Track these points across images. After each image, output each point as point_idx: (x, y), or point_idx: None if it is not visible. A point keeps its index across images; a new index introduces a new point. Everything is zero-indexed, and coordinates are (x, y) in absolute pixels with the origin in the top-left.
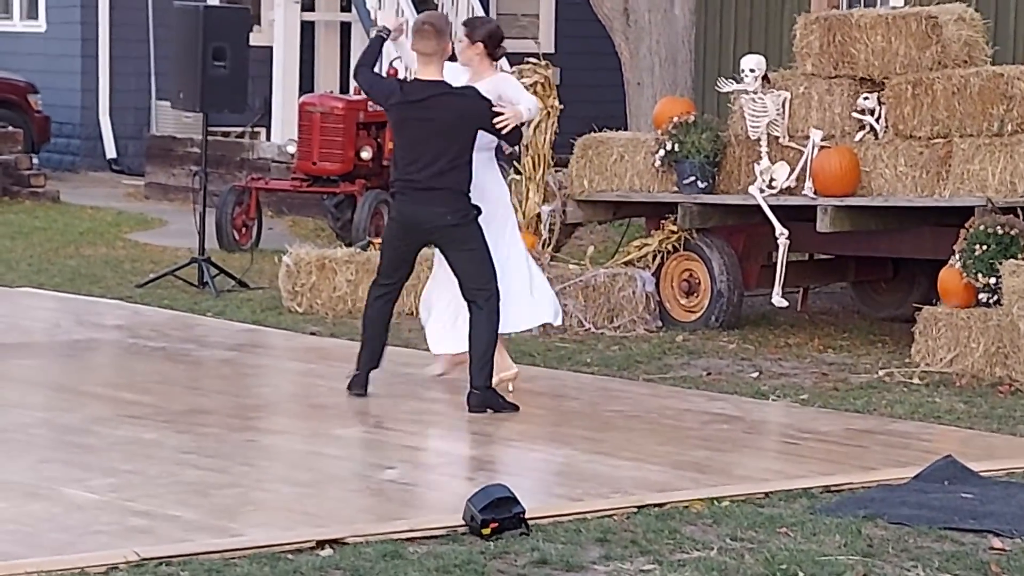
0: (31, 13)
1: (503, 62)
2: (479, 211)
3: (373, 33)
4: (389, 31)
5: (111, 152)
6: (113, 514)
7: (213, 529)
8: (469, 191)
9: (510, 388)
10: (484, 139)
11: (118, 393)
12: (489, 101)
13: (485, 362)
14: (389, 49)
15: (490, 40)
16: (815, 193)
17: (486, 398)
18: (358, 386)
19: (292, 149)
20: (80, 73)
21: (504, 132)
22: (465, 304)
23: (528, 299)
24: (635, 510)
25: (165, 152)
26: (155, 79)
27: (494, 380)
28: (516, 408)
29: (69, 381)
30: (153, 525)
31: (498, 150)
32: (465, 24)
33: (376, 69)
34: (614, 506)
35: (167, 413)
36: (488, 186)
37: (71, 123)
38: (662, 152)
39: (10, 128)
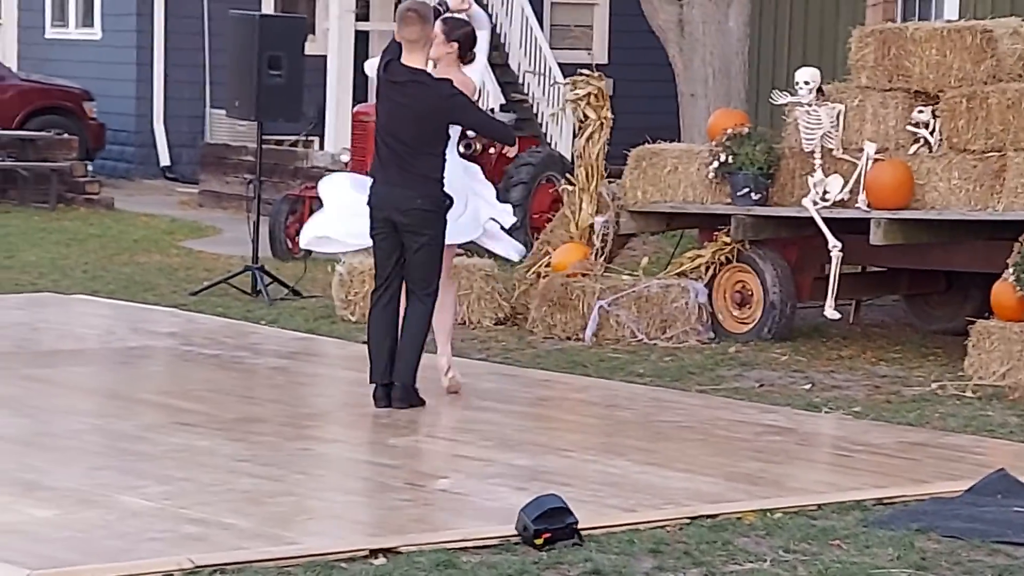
0: (86, 21)
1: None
2: (451, 203)
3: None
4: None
5: (165, 160)
6: (167, 521)
7: (267, 537)
8: (442, 180)
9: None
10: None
11: (172, 400)
12: (464, 95)
13: (413, 357)
14: None
15: (465, 42)
16: (868, 206)
17: (410, 394)
18: (382, 399)
19: (345, 158)
20: (135, 81)
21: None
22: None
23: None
24: (688, 521)
25: (219, 160)
26: (210, 87)
27: (452, 375)
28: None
29: (123, 388)
30: (207, 533)
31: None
32: (444, 22)
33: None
34: (667, 517)
35: (221, 421)
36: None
37: (126, 131)
38: (716, 164)
39: (65, 135)
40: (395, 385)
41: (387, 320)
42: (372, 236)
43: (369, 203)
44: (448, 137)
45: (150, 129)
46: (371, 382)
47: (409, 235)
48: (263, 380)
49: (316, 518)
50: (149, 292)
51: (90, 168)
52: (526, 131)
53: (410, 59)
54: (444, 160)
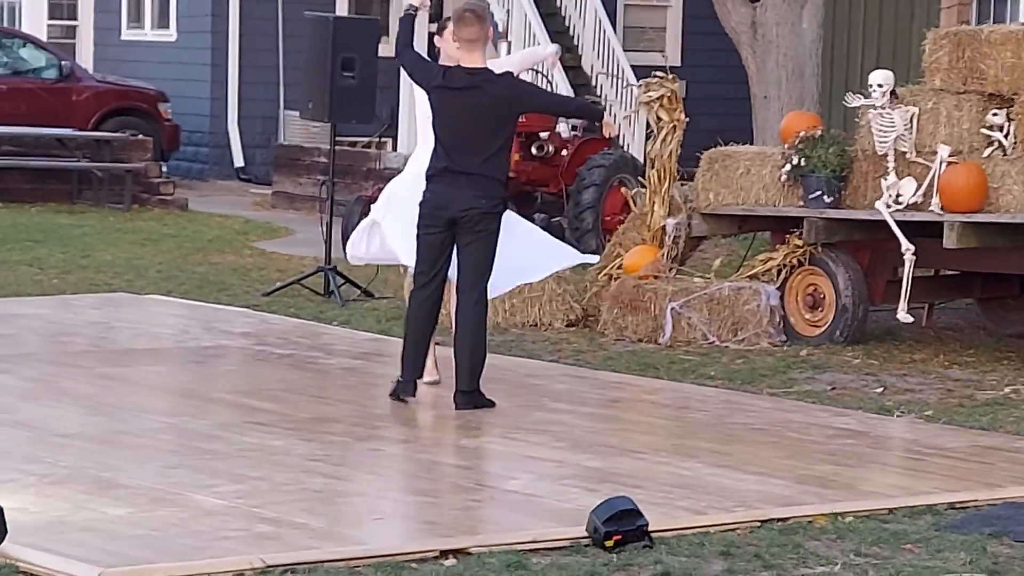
0: (162, 22)
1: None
2: (507, 205)
3: (402, 13)
4: (415, 7)
5: (239, 161)
6: (240, 520)
7: (338, 537)
8: (505, 181)
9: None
10: None
11: (245, 400)
12: (528, 83)
13: (478, 363)
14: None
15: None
16: (942, 209)
17: (476, 398)
18: (406, 392)
19: None
20: (209, 82)
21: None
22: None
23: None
24: (759, 524)
25: (292, 161)
26: (283, 89)
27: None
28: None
29: (197, 387)
30: (279, 532)
31: None
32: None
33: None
34: (738, 520)
35: (293, 421)
36: None
37: (200, 131)
38: (788, 166)
39: (140, 136)
40: (459, 391)
41: (429, 316)
42: (422, 231)
43: (426, 200)
44: (514, 134)
45: (224, 130)
46: (404, 378)
47: (465, 232)
48: (335, 380)
49: (387, 518)
50: (222, 292)
51: (165, 169)
52: (599, 133)
53: (469, 59)
54: (508, 161)
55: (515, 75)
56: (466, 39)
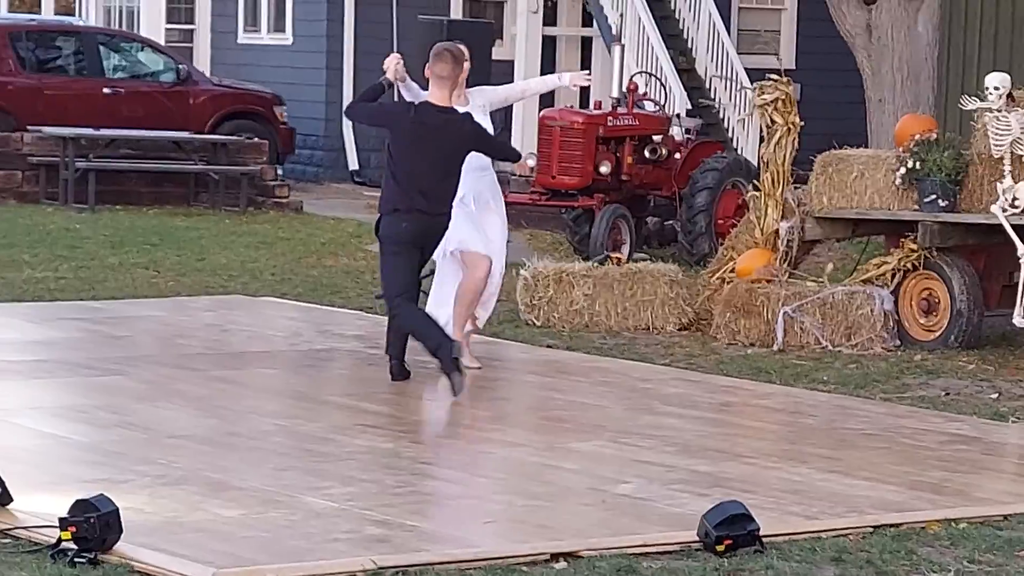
0: (278, 26)
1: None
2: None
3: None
4: (390, 81)
5: (353, 164)
6: (351, 522)
7: (449, 539)
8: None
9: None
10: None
11: (357, 403)
12: (480, 126)
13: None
14: (630, 64)
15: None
16: None
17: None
18: (400, 375)
19: (532, 162)
20: (325, 86)
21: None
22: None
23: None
24: (871, 530)
25: None
26: (397, 93)
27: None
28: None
29: (309, 390)
30: (390, 534)
31: None
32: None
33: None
34: (850, 525)
35: (405, 423)
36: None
37: (315, 135)
38: (903, 170)
39: (256, 139)
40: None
41: (419, 310)
42: (396, 252)
43: (403, 231)
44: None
45: (339, 133)
46: (389, 356)
47: (430, 247)
48: (446, 383)
49: (497, 521)
50: (336, 295)
51: (280, 172)
52: (712, 136)
53: (437, 96)
54: (456, 186)
55: (473, 117)
56: (438, 75)
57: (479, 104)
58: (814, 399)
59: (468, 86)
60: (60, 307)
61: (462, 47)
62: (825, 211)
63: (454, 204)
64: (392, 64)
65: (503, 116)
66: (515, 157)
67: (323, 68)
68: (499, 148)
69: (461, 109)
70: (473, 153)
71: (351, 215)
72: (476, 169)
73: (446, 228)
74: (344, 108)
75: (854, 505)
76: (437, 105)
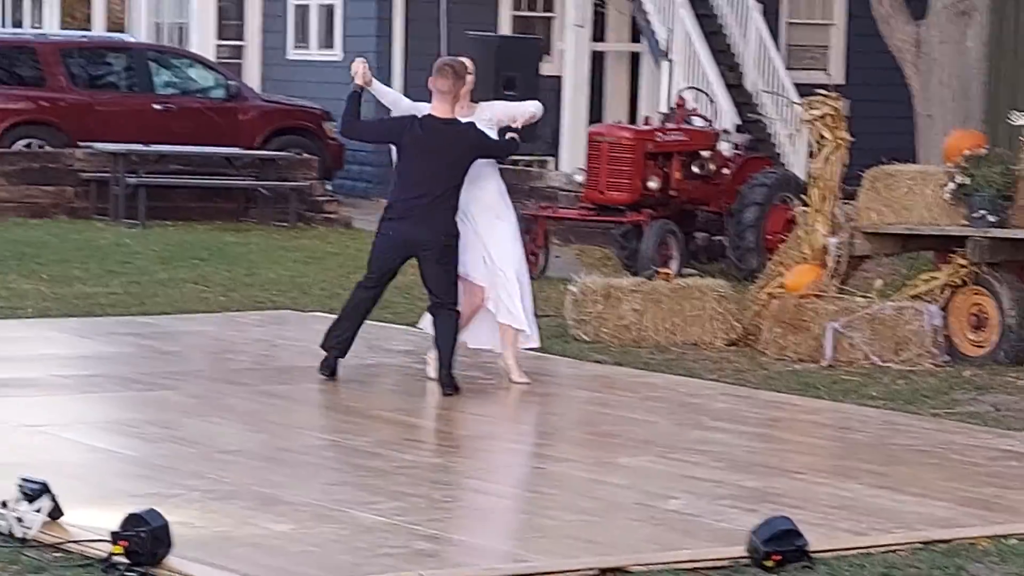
0: (327, 42)
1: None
2: (458, 234)
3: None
4: (360, 86)
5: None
6: (400, 537)
7: (498, 554)
8: (455, 212)
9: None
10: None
11: (406, 417)
12: (483, 132)
13: (452, 353)
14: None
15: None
16: None
17: (453, 379)
18: (329, 371)
19: (580, 178)
20: (373, 101)
21: (505, 147)
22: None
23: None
24: (920, 546)
25: None
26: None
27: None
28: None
29: (358, 405)
30: (439, 549)
31: None
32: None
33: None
34: (899, 541)
35: (453, 438)
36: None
37: (364, 150)
38: (952, 185)
39: (305, 155)
40: (442, 373)
41: (364, 311)
42: (381, 254)
43: (388, 236)
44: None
45: (388, 149)
46: (325, 348)
47: (427, 262)
48: (495, 399)
49: (546, 536)
50: (385, 310)
51: (329, 187)
52: (761, 151)
53: (441, 109)
54: (459, 196)
55: (476, 125)
56: (439, 90)
57: (485, 118)
58: (863, 415)
59: (520, 98)
60: (111, 322)
61: (466, 61)
62: (874, 227)
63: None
64: (360, 69)
65: (551, 131)
66: (515, 148)
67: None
68: (503, 148)
69: (464, 120)
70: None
71: None
72: (475, 180)
73: (442, 245)
74: (339, 129)
75: (903, 521)
76: (440, 117)
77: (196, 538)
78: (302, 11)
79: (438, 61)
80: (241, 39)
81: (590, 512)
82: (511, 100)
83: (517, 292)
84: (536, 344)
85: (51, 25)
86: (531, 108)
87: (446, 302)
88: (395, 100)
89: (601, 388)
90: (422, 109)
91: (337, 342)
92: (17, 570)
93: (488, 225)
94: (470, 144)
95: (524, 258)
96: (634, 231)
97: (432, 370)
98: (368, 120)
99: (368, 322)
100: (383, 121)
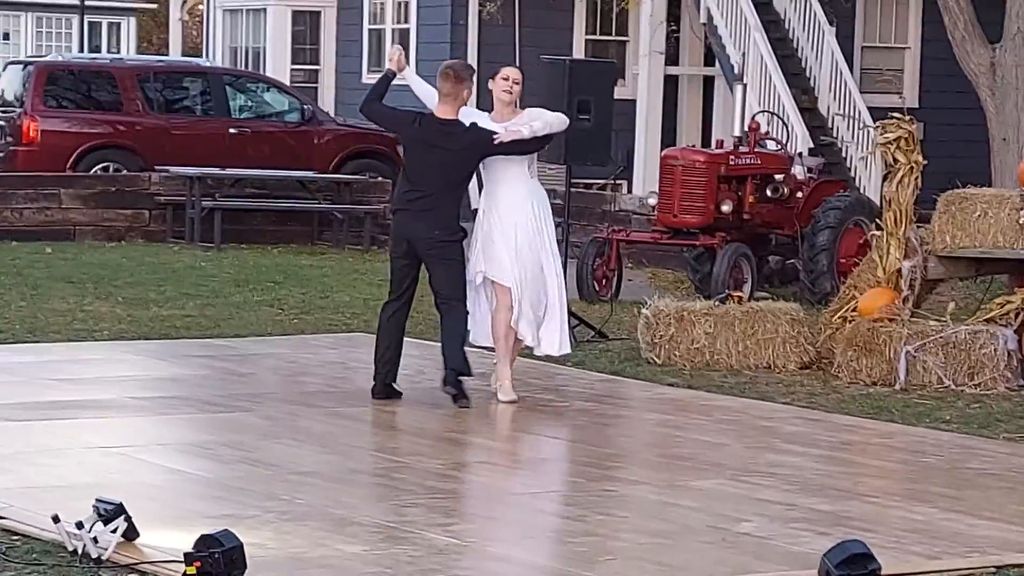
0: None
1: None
2: (465, 233)
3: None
4: (393, 72)
5: (476, 202)
6: (472, 559)
7: None
8: (458, 214)
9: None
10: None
11: (478, 439)
12: (488, 131)
13: (461, 348)
14: (752, 103)
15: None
16: None
17: (459, 383)
18: (381, 394)
19: (653, 201)
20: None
21: (505, 147)
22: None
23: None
24: (993, 570)
25: None
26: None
27: (505, 397)
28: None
29: (430, 427)
30: (510, 570)
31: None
32: (519, 68)
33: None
34: (972, 566)
35: (525, 460)
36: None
37: None
38: None
39: (379, 178)
40: (450, 371)
41: (395, 328)
42: (393, 256)
43: (392, 229)
44: (470, 174)
45: None
46: (376, 379)
47: (427, 259)
48: (568, 421)
49: (618, 559)
50: None
51: None
52: (835, 175)
53: (442, 111)
54: (461, 198)
55: (478, 125)
56: (442, 92)
57: (524, 122)
58: (936, 439)
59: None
60: (186, 344)
61: (471, 65)
62: (948, 250)
63: (477, 217)
64: (396, 55)
65: (624, 155)
66: (521, 149)
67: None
68: (505, 148)
69: (496, 125)
70: (496, 167)
71: None
72: (503, 182)
73: (441, 243)
74: (360, 106)
75: (976, 545)
76: (440, 118)
77: (269, 559)
78: (377, 35)
79: (443, 64)
80: (316, 63)
81: (662, 535)
82: (585, 124)
83: (553, 302)
84: (546, 349)
85: (128, 50)
86: (548, 117)
87: (450, 298)
88: (429, 96)
89: (673, 411)
90: (474, 116)
91: (382, 365)
92: None
93: (513, 227)
94: (467, 146)
95: (554, 262)
96: (707, 254)
97: (503, 393)
98: (385, 105)
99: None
100: (394, 111)
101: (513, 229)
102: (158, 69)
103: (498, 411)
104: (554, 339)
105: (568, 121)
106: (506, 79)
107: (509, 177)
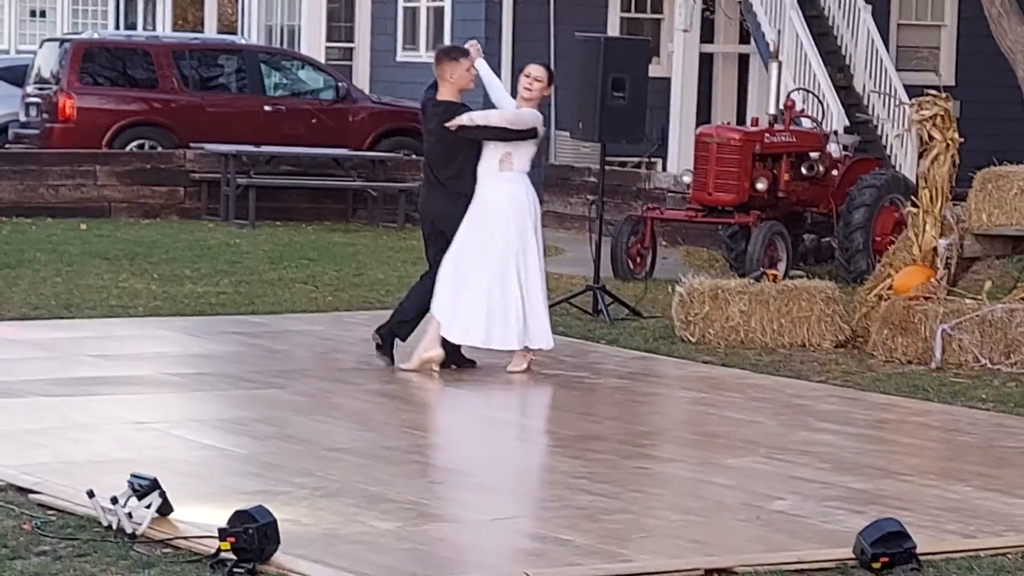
0: (437, 44)
1: None
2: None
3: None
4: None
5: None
6: (505, 536)
7: (603, 554)
8: (469, 194)
9: (434, 369)
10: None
11: (512, 417)
12: (450, 113)
13: (415, 315)
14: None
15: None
16: None
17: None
18: (377, 339)
19: (688, 179)
20: (482, 104)
21: (464, 131)
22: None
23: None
24: None
25: (562, 181)
26: (554, 109)
27: (420, 359)
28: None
29: (463, 404)
30: (544, 548)
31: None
32: (546, 67)
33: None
34: (1008, 544)
35: (560, 438)
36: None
37: None
38: None
39: (413, 156)
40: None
41: (420, 286)
42: (425, 236)
43: (418, 208)
44: (475, 153)
45: None
46: (404, 338)
47: (435, 233)
48: (602, 398)
49: (652, 536)
50: None
51: None
52: (870, 153)
53: (440, 93)
54: (471, 177)
55: (457, 104)
56: (436, 74)
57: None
58: (972, 417)
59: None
60: (220, 321)
61: (456, 47)
62: (984, 228)
63: (471, 205)
64: (474, 48)
65: (659, 132)
66: (507, 135)
67: (480, 86)
68: (489, 133)
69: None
70: (494, 158)
71: None
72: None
73: (452, 208)
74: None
75: (1013, 524)
76: (436, 99)
77: (303, 535)
78: (412, 13)
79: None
80: (351, 41)
81: (696, 512)
82: (619, 102)
83: (509, 301)
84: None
85: (164, 27)
86: (500, 111)
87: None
88: (493, 90)
89: (707, 389)
90: (510, 105)
91: (394, 313)
92: (127, 565)
93: (479, 224)
94: (437, 124)
95: (525, 259)
96: (742, 232)
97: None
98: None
99: None
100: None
101: (478, 226)
102: (193, 47)
103: (530, 389)
104: (541, 334)
105: (534, 117)
106: (528, 76)
107: (483, 171)
